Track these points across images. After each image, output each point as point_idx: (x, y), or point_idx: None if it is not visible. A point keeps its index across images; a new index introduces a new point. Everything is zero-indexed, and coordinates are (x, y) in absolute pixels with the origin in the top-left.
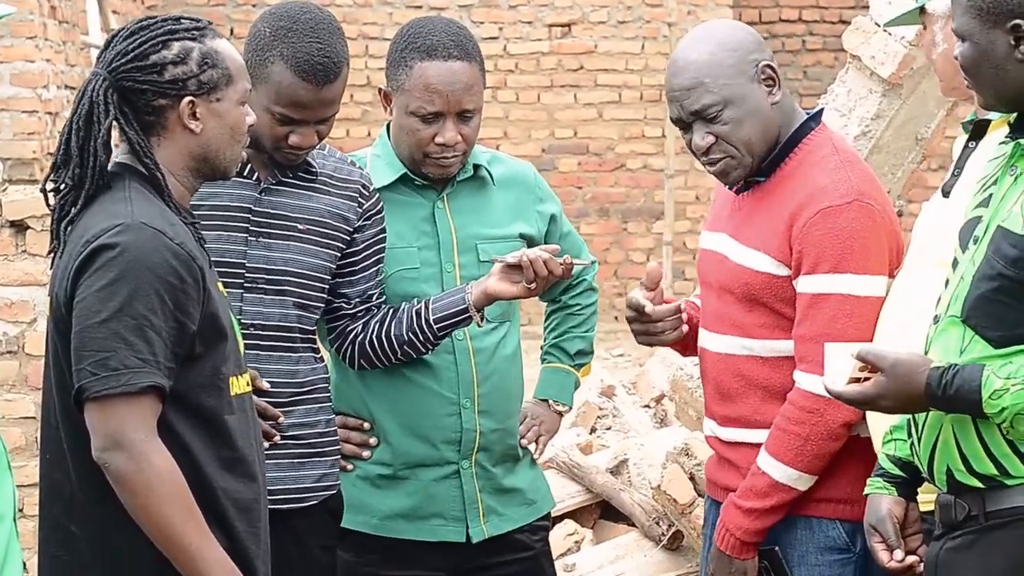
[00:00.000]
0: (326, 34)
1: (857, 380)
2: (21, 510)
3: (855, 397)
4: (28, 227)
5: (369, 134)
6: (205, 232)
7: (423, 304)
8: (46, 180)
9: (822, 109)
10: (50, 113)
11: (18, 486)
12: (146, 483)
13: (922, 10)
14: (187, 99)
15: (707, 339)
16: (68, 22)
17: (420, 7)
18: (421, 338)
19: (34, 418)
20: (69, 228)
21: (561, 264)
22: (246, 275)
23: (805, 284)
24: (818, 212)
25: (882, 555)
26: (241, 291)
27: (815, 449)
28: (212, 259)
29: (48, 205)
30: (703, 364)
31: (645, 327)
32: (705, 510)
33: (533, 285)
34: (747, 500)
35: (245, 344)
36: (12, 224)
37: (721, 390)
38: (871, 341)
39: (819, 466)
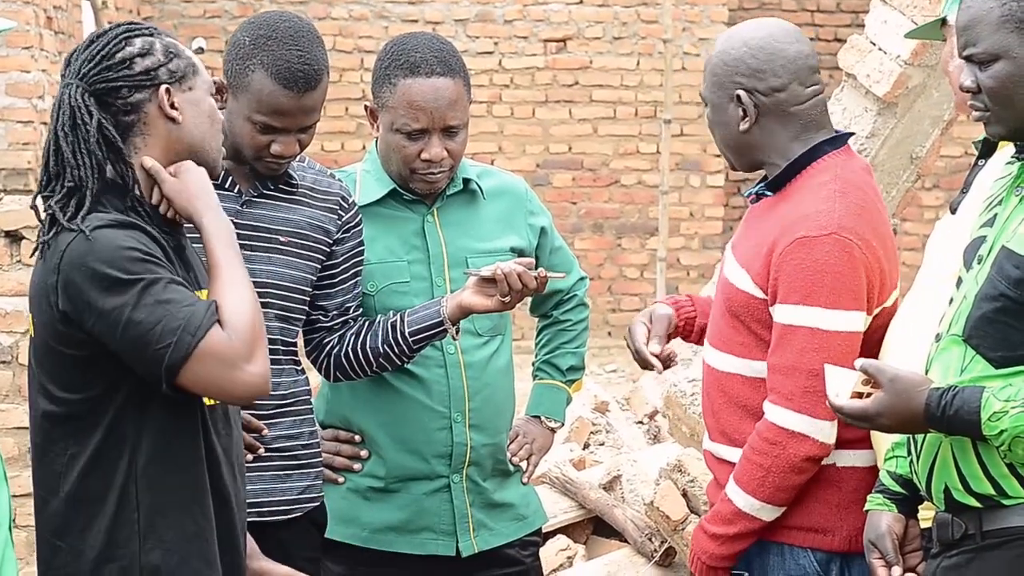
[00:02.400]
0: (306, 42)
1: (860, 396)
2: (14, 520)
3: (854, 412)
4: (23, 237)
5: (363, 147)
6: None
7: (399, 317)
8: (35, 197)
9: (849, 133)
10: (45, 124)
11: (12, 496)
12: (262, 340)
13: (943, 22)
14: (163, 87)
15: (706, 351)
16: (64, 33)
17: (416, 21)
18: (396, 351)
19: (27, 428)
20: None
21: (536, 277)
22: None
23: (778, 313)
24: (794, 241)
25: (880, 571)
26: None
27: (777, 481)
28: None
29: (40, 220)
30: (703, 375)
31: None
32: None
33: (508, 298)
34: (713, 525)
35: None
36: (7, 234)
37: (710, 404)
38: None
39: (783, 498)
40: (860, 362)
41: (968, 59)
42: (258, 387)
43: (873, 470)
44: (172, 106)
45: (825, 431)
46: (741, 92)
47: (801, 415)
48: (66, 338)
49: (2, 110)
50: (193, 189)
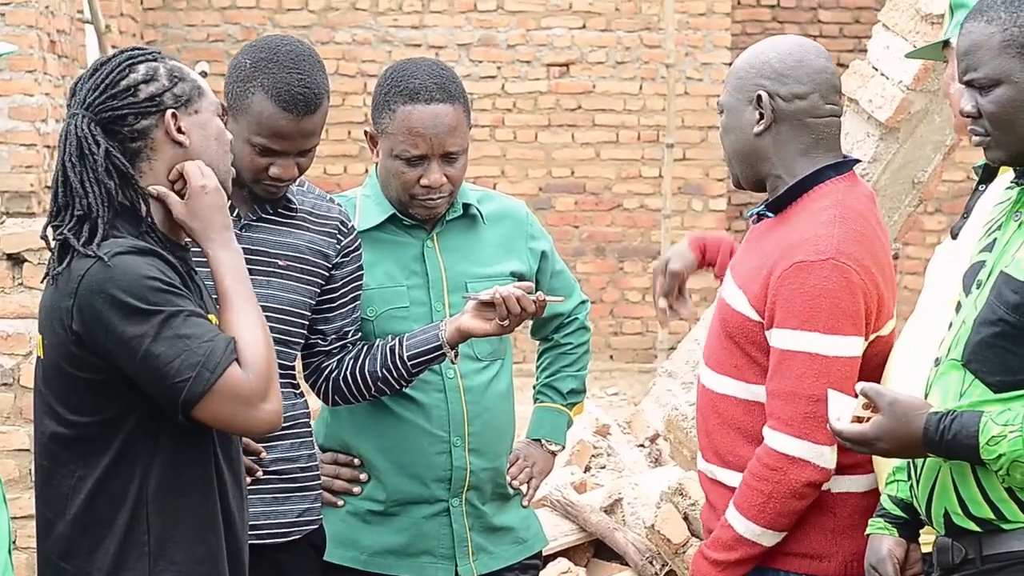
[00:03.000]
0: (307, 66)
1: (860, 420)
2: (14, 542)
3: (854, 436)
4: (25, 260)
5: (366, 171)
6: None
7: (397, 341)
8: (46, 227)
9: (855, 160)
10: (48, 147)
11: (12, 518)
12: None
13: (945, 44)
14: (169, 112)
15: (701, 371)
16: (67, 57)
17: (419, 45)
18: (395, 375)
19: (28, 450)
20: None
21: (534, 301)
22: None
23: (775, 338)
24: (792, 265)
25: None
26: None
27: (778, 507)
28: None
29: (50, 248)
30: (698, 395)
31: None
32: None
33: (506, 322)
34: (714, 551)
35: None
36: (9, 257)
37: (704, 425)
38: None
39: (784, 523)
40: (860, 386)
41: (969, 84)
42: (272, 424)
43: (868, 495)
44: (179, 130)
45: (826, 456)
46: (763, 93)
47: (801, 441)
48: (79, 360)
49: (5, 133)
50: (205, 214)
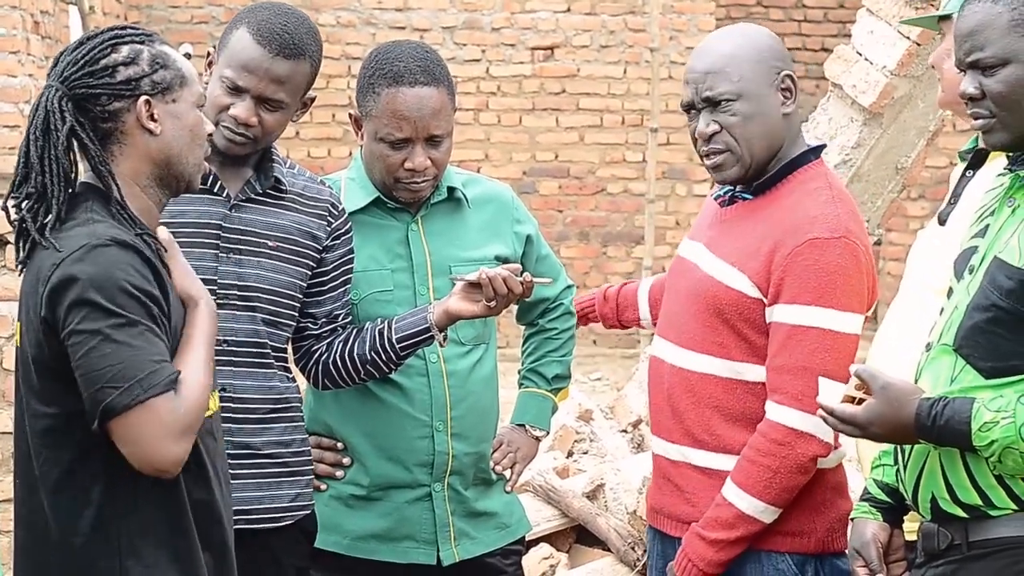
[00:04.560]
0: (296, 20)
1: (852, 400)
2: None
3: (844, 417)
4: (8, 242)
5: (350, 154)
6: None
7: (386, 324)
8: (7, 198)
9: (824, 145)
10: None
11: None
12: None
13: (942, 18)
14: (143, 99)
15: (663, 348)
16: (51, 37)
17: (403, 28)
18: (384, 358)
19: (11, 433)
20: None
21: (521, 282)
22: (217, 291)
23: (783, 313)
24: (805, 242)
25: None
26: None
27: (783, 482)
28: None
29: (10, 222)
30: (654, 374)
31: None
32: (648, 541)
33: (493, 303)
34: (712, 531)
35: (220, 360)
36: None
37: (672, 404)
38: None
39: (786, 499)
40: (855, 367)
41: (973, 65)
42: (175, 466)
43: (837, 471)
44: (151, 118)
45: (828, 432)
46: (787, 73)
47: (808, 415)
48: (46, 348)
49: None
50: (195, 291)
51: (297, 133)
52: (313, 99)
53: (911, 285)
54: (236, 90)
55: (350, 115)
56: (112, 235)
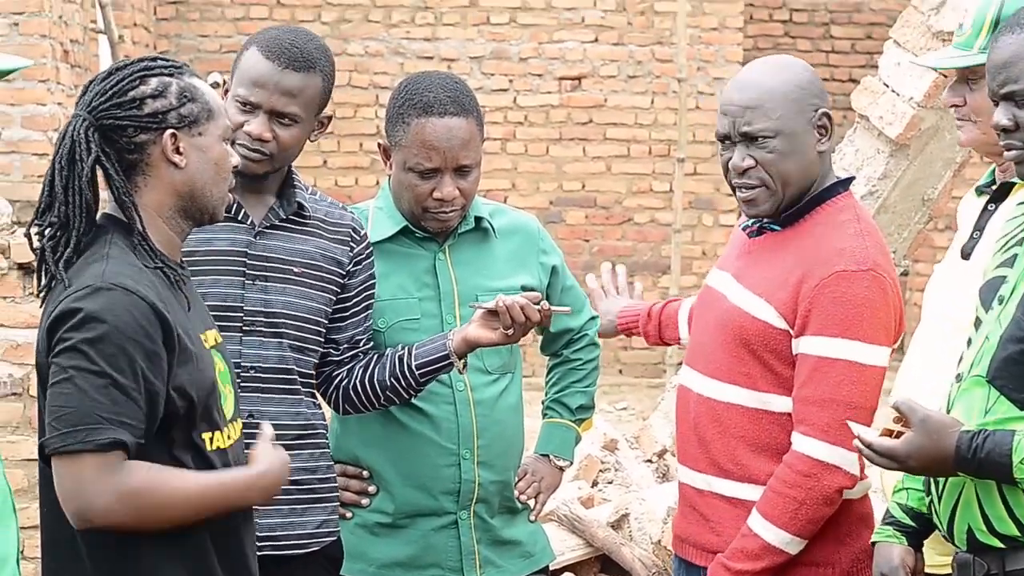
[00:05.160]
0: (304, 37)
1: (890, 433)
2: (23, 552)
3: (883, 451)
4: (35, 270)
5: (377, 183)
6: (202, 277)
7: (406, 350)
8: (31, 224)
9: (853, 177)
10: None
11: (20, 527)
12: (139, 515)
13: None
14: (168, 132)
15: (690, 378)
16: (81, 66)
17: (431, 58)
18: (403, 384)
19: (35, 460)
20: (64, 269)
21: (539, 310)
22: (244, 318)
23: (810, 345)
24: (832, 274)
25: None
26: (240, 334)
27: (809, 513)
28: (210, 303)
29: (32, 249)
30: (682, 403)
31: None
32: (673, 570)
33: (511, 331)
34: (738, 562)
35: (247, 387)
36: (20, 267)
37: (699, 433)
38: (876, 409)
39: (811, 530)
40: (895, 400)
41: (1007, 97)
42: (92, 523)
43: (863, 501)
44: (177, 151)
45: (854, 463)
46: (825, 111)
47: (835, 447)
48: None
49: (18, 143)
50: (270, 481)
51: (325, 162)
52: (330, 118)
53: (932, 317)
54: (249, 107)
55: (379, 144)
56: (119, 280)
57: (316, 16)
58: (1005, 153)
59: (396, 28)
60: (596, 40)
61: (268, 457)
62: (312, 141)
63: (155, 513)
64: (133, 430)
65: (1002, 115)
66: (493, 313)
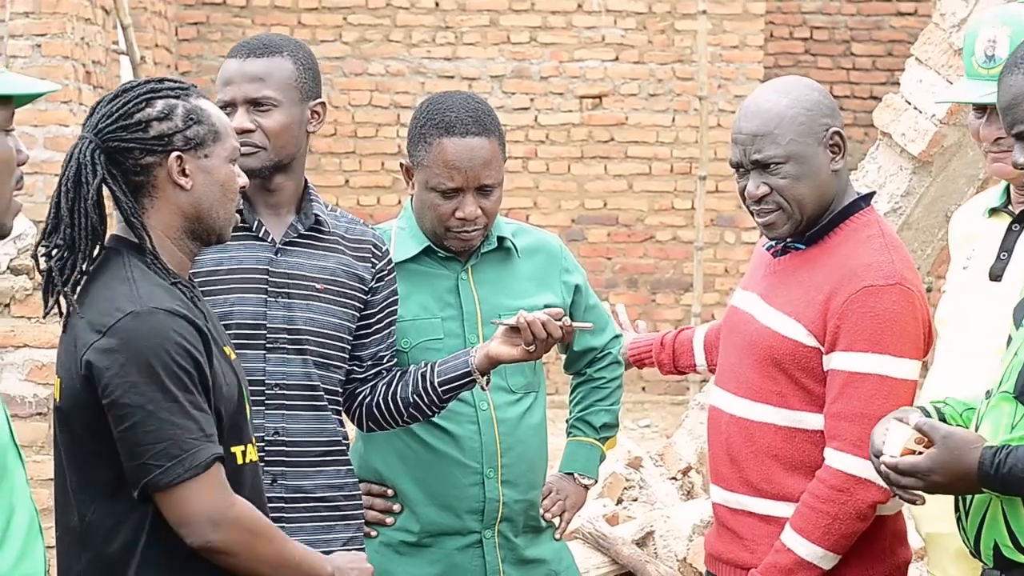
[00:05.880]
0: (271, 34)
1: (912, 452)
2: (48, 571)
3: (907, 468)
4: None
5: (399, 202)
6: (225, 295)
7: (429, 367)
8: (37, 246)
9: (873, 192)
10: None
11: (46, 547)
12: (249, 545)
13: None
14: (174, 154)
15: (721, 399)
16: (103, 88)
17: (452, 77)
18: (426, 401)
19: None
20: (71, 294)
21: (561, 327)
22: (267, 335)
23: (841, 361)
24: (861, 290)
25: None
26: (264, 351)
27: (843, 528)
28: (234, 321)
29: (39, 271)
30: (713, 424)
31: None
32: None
33: (532, 347)
34: None
35: (272, 404)
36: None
37: (731, 453)
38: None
39: (845, 545)
40: (915, 421)
41: (1020, 136)
42: (214, 543)
43: (898, 517)
44: (183, 173)
45: None
46: (836, 130)
47: (867, 461)
48: (85, 408)
49: (40, 164)
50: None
51: (347, 181)
52: (324, 105)
53: (959, 339)
54: (228, 107)
55: (401, 164)
56: (157, 303)
57: (337, 36)
58: None
59: (417, 47)
60: (617, 59)
61: (349, 561)
62: (311, 132)
63: (260, 533)
64: (216, 439)
65: (1019, 154)
66: (515, 330)
